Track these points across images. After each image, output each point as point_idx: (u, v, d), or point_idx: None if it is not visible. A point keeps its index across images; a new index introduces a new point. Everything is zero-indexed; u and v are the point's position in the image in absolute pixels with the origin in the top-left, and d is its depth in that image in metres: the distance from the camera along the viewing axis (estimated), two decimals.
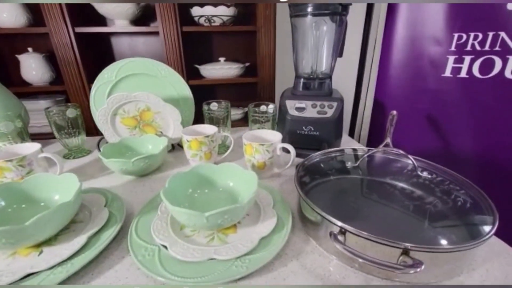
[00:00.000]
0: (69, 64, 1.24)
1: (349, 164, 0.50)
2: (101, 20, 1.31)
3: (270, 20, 1.32)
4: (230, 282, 0.33)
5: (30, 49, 1.31)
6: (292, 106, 0.69)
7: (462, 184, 0.42)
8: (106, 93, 0.68)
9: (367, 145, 1.07)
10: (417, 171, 0.45)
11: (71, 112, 0.66)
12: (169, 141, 0.71)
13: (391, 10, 0.83)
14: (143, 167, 0.57)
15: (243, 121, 1.53)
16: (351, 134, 0.95)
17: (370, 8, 0.83)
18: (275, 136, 0.58)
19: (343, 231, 0.33)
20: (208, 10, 1.30)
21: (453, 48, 0.74)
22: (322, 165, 0.52)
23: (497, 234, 0.40)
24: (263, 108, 0.71)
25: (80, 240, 0.37)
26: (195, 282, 0.31)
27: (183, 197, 0.43)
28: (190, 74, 1.42)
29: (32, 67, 1.31)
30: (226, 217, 0.35)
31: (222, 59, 1.43)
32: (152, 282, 0.34)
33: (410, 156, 0.44)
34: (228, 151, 0.65)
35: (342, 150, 0.56)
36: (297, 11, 0.67)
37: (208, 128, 0.64)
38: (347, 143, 0.79)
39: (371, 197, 0.44)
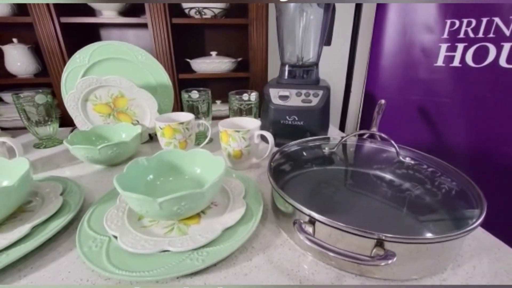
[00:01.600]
0: (54, 55, 1.21)
1: (326, 151, 0.46)
2: (90, 11, 1.27)
3: (262, 12, 1.28)
4: (184, 276, 0.29)
5: (15, 40, 1.28)
6: (275, 94, 0.65)
7: (448, 172, 0.39)
8: (79, 78, 0.64)
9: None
10: (399, 157, 0.41)
11: (41, 98, 0.62)
12: (146, 130, 0.67)
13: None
14: (112, 155, 0.53)
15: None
16: (342, 126, 0.91)
17: None
18: (254, 123, 0.55)
19: (312, 221, 0.30)
20: (199, 1, 1.26)
21: (445, 35, 0.71)
22: (299, 153, 0.48)
23: (487, 228, 0.36)
24: (245, 96, 0.68)
25: (23, 229, 0.34)
26: (141, 277, 0.28)
27: (142, 184, 0.39)
28: (181, 68, 1.38)
29: (17, 59, 1.28)
30: (184, 204, 0.32)
31: (214, 53, 1.40)
32: (97, 276, 0.30)
33: (392, 141, 0.41)
34: (206, 141, 0.61)
35: (322, 139, 0.53)
36: None
37: (184, 116, 0.60)
38: (334, 135, 0.75)
39: (349, 187, 0.41)
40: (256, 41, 1.33)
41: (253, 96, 0.66)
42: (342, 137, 0.47)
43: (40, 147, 0.66)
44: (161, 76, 0.67)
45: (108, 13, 1.25)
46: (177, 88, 1.35)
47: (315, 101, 0.63)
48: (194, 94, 0.68)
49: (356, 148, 0.52)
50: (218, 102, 1.51)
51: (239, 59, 1.44)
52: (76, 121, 0.62)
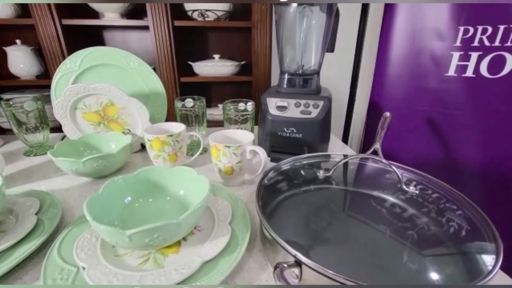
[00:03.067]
0: (55, 57, 1.20)
1: (322, 173, 0.42)
2: (92, 13, 1.26)
3: (266, 15, 1.25)
4: None
5: (18, 41, 1.28)
6: (273, 104, 0.62)
7: (458, 202, 0.35)
8: (69, 85, 0.62)
9: (361, 151, 0.98)
10: (401, 184, 0.37)
11: (30, 105, 0.61)
12: (138, 140, 0.65)
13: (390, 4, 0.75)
14: (97, 168, 0.50)
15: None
16: (345, 137, 0.87)
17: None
18: (247, 137, 0.51)
19: (298, 263, 0.26)
20: (202, 4, 1.24)
21: (458, 43, 0.66)
22: (293, 173, 0.45)
23: (502, 267, 0.32)
24: (241, 105, 0.64)
25: None
26: None
27: (119, 207, 0.36)
28: (183, 71, 1.36)
29: (20, 60, 1.28)
30: (157, 236, 0.28)
31: (216, 56, 1.37)
32: None
33: (393, 166, 0.37)
34: (197, 154, 0.58)
35: (320, 156, 0.49)
36: None
37: (175, 127, 0.57)
38: (335, 148, 0.71)
39: (347, 215, 0.37)
40: (259, 44, 1.30)
41: (250, 106, 0.63)
42: (339, 161, 0.43)
43: (30, 155, 0.64)
44: (154, 83, 0.64)
45: (110, 15, 1.24)
46: (178, 91, 1.33)
47: (314, 112, 0.60)
48: (189, 103, 0.65)
49: (356, 168, 0.47)
50: (220, 105, 1.48)
51: (242, 62, 1.41)
52: (65, 130, 0.60)
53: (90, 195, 0.33)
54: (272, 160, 0.55)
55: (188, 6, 1.26)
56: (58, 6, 1.14)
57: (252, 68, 1.35)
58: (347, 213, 0.38)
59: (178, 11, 1.26)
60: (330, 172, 0.39)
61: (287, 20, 0.63)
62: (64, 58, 1.20)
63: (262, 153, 0.47)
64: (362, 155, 0.44)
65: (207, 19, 1.28)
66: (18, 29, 1.28)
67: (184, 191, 0.40)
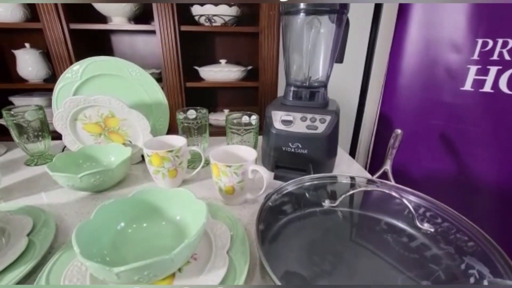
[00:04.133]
0: (62, 61, 1.20)
1: (327, 203, 0.39)
2: (101, 17, 1.26)
3: (273, 21, 1.23)
4: None
5: (27, 44, 1.29)
6: (278, 118, 0.59)
7: (474, 237, 0.32)
8: (71, 95, 0.61)
9: (369, 167, 0.94)
10: (414, 220, 0.34)
11: (31, 115, 0.60)
12: (138, 151, 0.63)
13: (403, 9, 0.72)
14: (95, 183, 0.49)
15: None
16: (353, 149, 0.84)
17: (378, 7, 0.72)
18: (249, 154, 0.49)
19: None
20: (209, 9, 1.23)
21: (475, 56, 0.62)
22: (295, 197, 0.42)
23: None
24: (244, 118, 0.62)
25: None
26: None
27: (111, 233, 0.34)
28: (189, 75, 1.35)
29: (28, 63, 1.29)
30: (147, 273, 0.26)
31: (223, 61, 1.36)
32: None
33: (404, 200, 0.34)
34: (198, 168, 0.56)
35: (324, 177, 0.46)
36: (287, 8, 0.57)
37: (176, 140, 0.55)
38: (342, 163, 0.68)
39: (351, 246, 0.34)
40: (266, 50, 1.28)
41: (254, 120, 0.60)
42: (346, 191, 0.40)
43: (30, 164, 0.64)
44: (156, 94, 0.63)
45: (117, 20, 1.24)
46: (184, 96, 1.31)
47: (321, 127, 0.57)
48: (191, 114, 0.63)
49: (364, 194, 0.45)
50: (226, 111, 1.47)
51: (249, 67, 1.39)
52: (65, 140, 0.59)
53: (81, 222, 0.31)
54: (275, 178, 0.52)
55: (195, 11, 1.25)
56: (66, 10, 1.14)
57: (258, 73, 1.33)
58: (353, 241, 0.36)
59: (185, 16, 1.25)
60: (336, 203, 0.37)
61: (294, 31, 0.61)
62: (71, 62, 1.21)
63: (264, 173, 0.45)
64: (371, 179, 0.41)
65: (214, 24, 1.26)
66: (27, 32, 1.30)
67: (181, 216, 0.38)
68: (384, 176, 0.49)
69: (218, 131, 1.39)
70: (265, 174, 0.45)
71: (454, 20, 0.63)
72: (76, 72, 0.59)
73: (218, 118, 1.44)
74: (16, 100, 1.29)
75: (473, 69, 0.63)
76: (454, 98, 0.67)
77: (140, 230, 0.36)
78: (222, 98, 1.62)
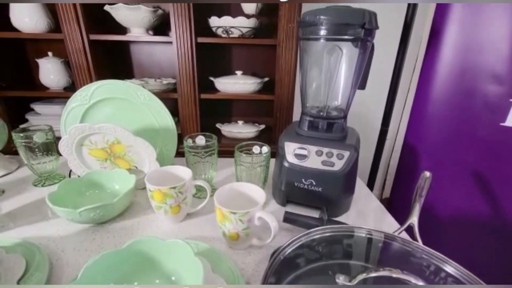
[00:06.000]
0: (81, 70, 1.22)
1: (342, 279, 0.33)
2: (120, 28, 1.27)
3: (292, 34, 1.18)
4: None
5: (50, 53, 1.32)
6: (291, 150, 0.55)
7: None
8: (79, 118, 0.60)
9: (389, 203, 0.87)
10: None
11: (40, 137, 0.59)
12: (144, 177, 0.61)
13: (436, 31, 0.65)
14: (95, 218, 0.47)
15: (256, 140, 1.40)
16: (371, 181, 0.77)
17: (407, 28, 0.65)
18: (258, 195, 0.45)
19: None
20: (227, 21, 1.21)
21: None
22: (306, 253, 0.38)
23: None
24: (255, 148, 0.58)
25: None
26: None
27: None
28: (204, 85, 1.33)
29: (50, 72, 1.32)
30: None
31: (239, 72, 1.33)
32: None
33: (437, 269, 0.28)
34: (202, 205, 0.53)
35: (339, 229, 0.41)
36: (307, 34, 0.53)
37: (183, 172, 0.52)
38: (359, 199, 0.62)
39: None
40: (284, 63, 1.23)
41: (264, 153, 0.56)
42: (364, 270, 0.35)
43: (38, 185, 0.63)
44: (164, 118, 0.60)
45: (136, 31, 1.24)
46: (198, 108, 1.30)
47: (338, 164, 0.52)
48: (201, 140, 0.60)
49: (382, 245, 0.39)
50: (240, 122, 1.44)
51: (265, 79, 1.36)
52: (70, 165, 0.58)
53: (69, 285, 0.29)
54: (285, 220, 0.48)
55: (213, 23, 1.23)
56: (87, 21, 1.16)
57: (275, 86, 1.29)
58: None
59: (202, 27, 1.24)
60: (354, 282, 0.31)
61: (313, 56, 0.57)
62: (89, 71, 1.22)
63: (272, 221, 0.41)
64: (392, 236, 0.36)
65: (231, 35, 1.24)
66: (50, 41, 1.33)
67: (176, 277, 0.34)
68: (410, 230, 0.43)
69: (231, 144, 1.36)
70: (273, 223, 0.41)
71: (496, 47, 0.55)
72: (85, 95, 0.57)
73: (232, 129, 1.41)
74: (37, 107, 1.32)
75: None
76: (492, 134, 0.59)
77: None
78: (237, 108, 1.59)
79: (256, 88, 1.32)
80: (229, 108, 1.58)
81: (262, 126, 1.46)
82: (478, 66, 0.58)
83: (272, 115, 1.34)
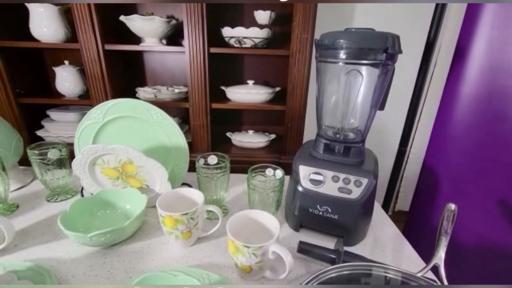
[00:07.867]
0: (96, 79, 1.24)
1: None
2: (134, 38, 1.29)
3: (306, 44, 1.16)
4: None
5: (66, 62, 1.35)
6: (306, 174, 0.53)
7: None
8: (93, 135, 0.60)
9: (406, 227, 0.82)
10: None
11: (54, 154, 0.59)
12: (155, 196, 0.60)
13: (461, 52, 0.62)
14: (105, 242, 0.46)
15: (267, 150, 1.39)
16: (388, 201, 0.74)
17: (429, 48, 0.62)
18: (272, 226, 0.44)
19: None
20: (239, 31, 1.20)
21: None
22: None
23: None
24: (269, 171, 0.57)
25: None
26: None
27: None
28: (215, 95, 1.33)
29: (66, 80, 1.34)
30: None
31: (250, 82, 1.32)
32: None
33: None
34: (213, 230, 0.51)
35: (357, 267, 0.39)
36: (325, 56, 0.51)
37: (195, 195, 0.51)
38: (377, 227, 0.59)
39: None
40: (296, 74, 1.21)
41: (279, 175, 0.54)
42: None
43: (50, 201, 0.63)
44: (177, 137, 0.60)
45: (149, 40, 1.25)
46: (209, 118, 1.29)
47: (356, 192, 0.50)
48: (213, 159, 0.59)
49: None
50: (251, 132, 1.42)
51: (277, 89, 1.34)
52: (83, 183, 0.58)
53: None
54: (299, 251, 0.46)
55: (226, 33, 1.23)
56: (103, 31, 1.17)
57: (286, 96, 1.27)
58: None
59: (214, 37, 1.23)
60: None
61: (330, 77, 0.55)
62: (103, 79, 1.24)
63: (286, 256, 0.39)
64: (415, 276, 0.34)
65: (244, 46, 1.23)
66: (67, 50, 1.36)
67: None
68: (435, 269, 0.41)
69: (242, 154, 1.35)
70: (288, 258, 0.39)
71: None
72: (100, 114, 0.57)
73: (242, 139, 1.40)
74: (53, 114, 1.35)
75: None
76: None
77: None
78: (247, 117, 1.58)
79: (267, 98, 1.31)
80: (239, 117, 1.57)
81: (273, 136, 1.44)
82: (507, 88, 0.55)
83: (282, 124, 1.32)
